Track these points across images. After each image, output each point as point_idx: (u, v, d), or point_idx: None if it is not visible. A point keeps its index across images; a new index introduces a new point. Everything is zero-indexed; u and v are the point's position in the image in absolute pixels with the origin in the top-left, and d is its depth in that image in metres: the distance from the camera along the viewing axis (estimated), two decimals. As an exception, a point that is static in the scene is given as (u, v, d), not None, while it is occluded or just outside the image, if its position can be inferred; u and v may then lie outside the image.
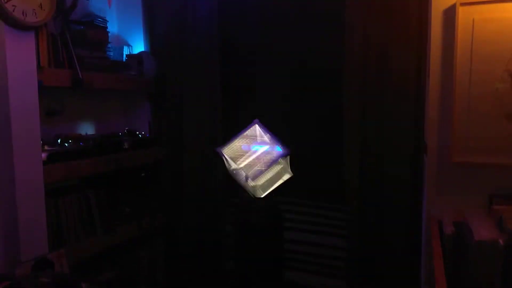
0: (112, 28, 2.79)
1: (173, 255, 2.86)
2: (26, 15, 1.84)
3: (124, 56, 2.82)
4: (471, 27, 1.68)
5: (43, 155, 2.03)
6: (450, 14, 1.74)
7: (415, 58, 2.12)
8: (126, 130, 2.83)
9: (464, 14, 1.69)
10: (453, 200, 1.76)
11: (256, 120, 2.20)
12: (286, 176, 2.22)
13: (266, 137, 2.20)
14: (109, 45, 2.61)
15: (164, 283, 2.82)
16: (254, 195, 2.18)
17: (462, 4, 1.69)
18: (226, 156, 2.20)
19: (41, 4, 1.91)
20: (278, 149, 2.16)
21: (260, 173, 2.13)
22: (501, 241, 1.38)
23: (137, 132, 2.84)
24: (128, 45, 2.92)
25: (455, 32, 1.70)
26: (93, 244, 2.32)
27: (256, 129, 2.21)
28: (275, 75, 2.72)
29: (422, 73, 2.10)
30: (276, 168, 2.20)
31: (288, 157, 2.19)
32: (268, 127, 2.21)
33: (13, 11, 1.78)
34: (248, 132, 2.21)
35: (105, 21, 2.58)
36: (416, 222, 2.15)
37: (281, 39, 2.68)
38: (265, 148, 2.20)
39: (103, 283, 2.34)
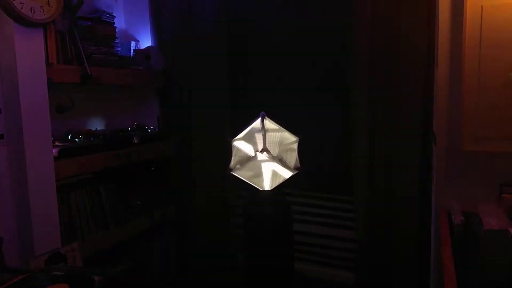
0: (119, 23, 2.80)
1: (184, 247, 2.89)
2: (34, 12, 1.86)
3: (132, 51, 2.84)
4: (480, 14, 1.64)
5: (54, 150, 2.06)
6: (458, 2, 1.72)
7: (424, 46, 2.10)
8: (135, 125, 2.86)
9: (472, 1, 1.65)
10: (463, 190, 1.74)
11: (263, 113, 2.19)
12: (295, 167, 2.22)
13: (273, 128, 2.20)
14: (117, 41, 2.62)
15: (176, 274, 2.86)
16: (262, 188, 2.19)
17: (470, -9, 1.66)
18: (235, 150, 2.20)
19: (48, 1, 1.93)
20: (287, 139, 2.16)
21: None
22: (511, 230, 1.36)
23: (146, 127, 2.86)
24: (136, 40, 2.93)
25: (464, 20, 1.67)
26: (105, 238, 2.36)
27: (263, 122, 2.21)
28: (284, 65, 2.71)
29: (430, 62, 2.08)
30: (284, 159, 2.20)
31: (297, 148, 2.19)
32: (275, 118, 2.20)
33: (21, 8, 1.80)
34: (255, 124, 2.21)
35: (112, 16, 2.59)
36: (425, 212, 2.14)
37: (289, 26, 2.67)
38: (273, 138, 2.20)
39: (116, 276, 2.37)
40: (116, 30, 2.61)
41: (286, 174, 2.17)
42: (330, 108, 2.61)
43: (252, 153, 2.19)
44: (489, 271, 1.28)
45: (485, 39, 1.65)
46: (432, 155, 2.03)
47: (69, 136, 2.33)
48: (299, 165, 2.21)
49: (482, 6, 1.64)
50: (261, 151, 2.16)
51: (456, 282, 1.15)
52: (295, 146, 2.18)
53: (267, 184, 2.17)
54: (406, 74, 2.15)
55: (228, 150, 2.25)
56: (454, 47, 1.75)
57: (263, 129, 2.16)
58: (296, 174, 2.20)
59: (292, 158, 2.22)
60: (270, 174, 2.17)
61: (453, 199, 1.73)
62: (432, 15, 2.02)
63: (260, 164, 2.17)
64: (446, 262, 1.25)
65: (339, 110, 2.55)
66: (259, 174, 2.17)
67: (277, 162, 2.16)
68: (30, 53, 1.89)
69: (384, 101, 2.23)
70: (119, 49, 2.68)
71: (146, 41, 2.95)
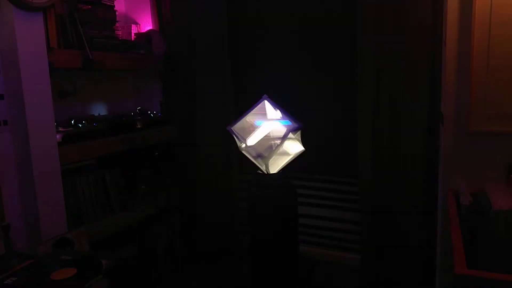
0: (119, 6, 2.76)
1: (189, 231, 2.91)
2: (33, -5, 1.82)
3: (133, 35, 2.80)
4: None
5: (58, 136, 2.05)
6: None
7: (431, 24, 2.06)
8: (138, 109, 2.84)
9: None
10: (471, 171, 1.73)
11: (265, 96, 2.16)
12: (298, 151, 2.21)
13: (276, 112, 2.17)
14: (117, 24, 2.58)
15: (181, 258, 2.87)
16: (266, 171, 2.18)
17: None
18: (237, 134, 2.19)
19: (47, -16, 1.89)
20: (288, 124, 2.14)
21: (272, 149, 2.12)
22: (520, 211, 1.36)
23: (149, 112, 2.84)
24: (136, 23, 2.89)
25: (473, -3, 1.64)
26: (111, 222, 2.37)
27: (266, 105, 2.18)
28: (286, 43, 2.67)
29: (437, 40, 2.04)
30: (288, 143, 2.19)
31: (300, 132, 2.17)
32: (278, 101, 2.18)
33: (20, -8, 1.76)
34: (258, 108, 2.19)
35: (112, -1, 2.54)
36: (432, 193, 2.13)
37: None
38: (275, 123, 2.18)
39: (122, 260, 2.38)
40: (116, 13, 2.56)
41: (290, 157, 2.17)
42: (336, 90, 2.58)
43: (250, 143, 2.16)
44: (498, 252, 1.28)
45: (495, 16, 1.61)
46: (440, 135, 2.01)
47: (72, 122, 2.32)
48: (302, 149, 2.20)
49: (492, -18, 1.60)
50: (257, 157, 2.13)
51: (465, 263, 1.14)
52: (298, 135, 2.17)
53: (271, 168, 2.17)
54: (412, 52, 2.12)
55: (231, 134, 2.23)
56: (463, 24, 1.70)
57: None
58: (300, 157, 2.19)
59: (294, 144, 2.21)
60: (274, 158, 2.16)
61: (461, 180, 1.72)
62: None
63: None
64: (456, 243, 1.24)
65: (344, 93, 2.52)
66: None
67: (277, 148, 2.14)
68: (30, 38, 1.86)
69: (389, 81, 2.20)
70: (120, 32, 2.64)
71: (146, 24, 2.91)
